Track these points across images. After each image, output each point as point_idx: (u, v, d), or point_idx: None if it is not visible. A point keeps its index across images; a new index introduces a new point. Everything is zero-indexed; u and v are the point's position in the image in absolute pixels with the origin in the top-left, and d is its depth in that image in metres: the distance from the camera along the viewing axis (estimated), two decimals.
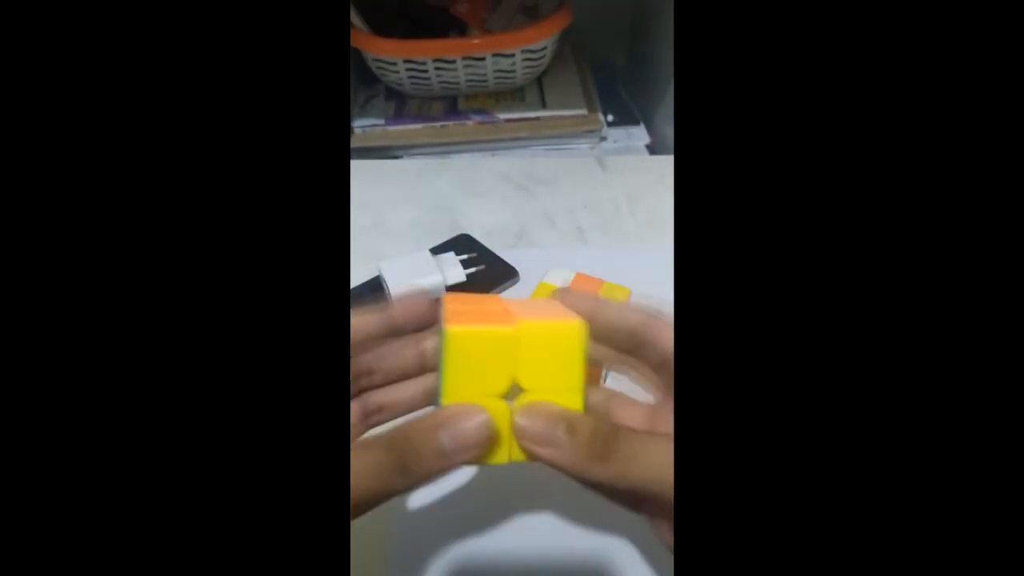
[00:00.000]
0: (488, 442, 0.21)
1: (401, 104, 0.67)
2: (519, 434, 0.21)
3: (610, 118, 0.67)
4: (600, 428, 0.21)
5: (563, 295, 0.26)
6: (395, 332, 0.27)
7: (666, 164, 0.60)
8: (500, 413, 0.21)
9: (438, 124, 0.64)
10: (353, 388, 0.27)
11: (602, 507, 0.25)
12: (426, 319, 0.27)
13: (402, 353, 0.27)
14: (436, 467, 0.20)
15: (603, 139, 0.65)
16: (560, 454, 0.21)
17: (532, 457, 0.21)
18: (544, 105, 0.65)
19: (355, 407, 0.27)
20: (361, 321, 0.26)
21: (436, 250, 0.47)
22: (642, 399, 0.26)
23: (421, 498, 0.31)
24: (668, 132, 0.65)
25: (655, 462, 0.21)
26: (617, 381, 0.28)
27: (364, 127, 0.64)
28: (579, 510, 0.31)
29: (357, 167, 0.59)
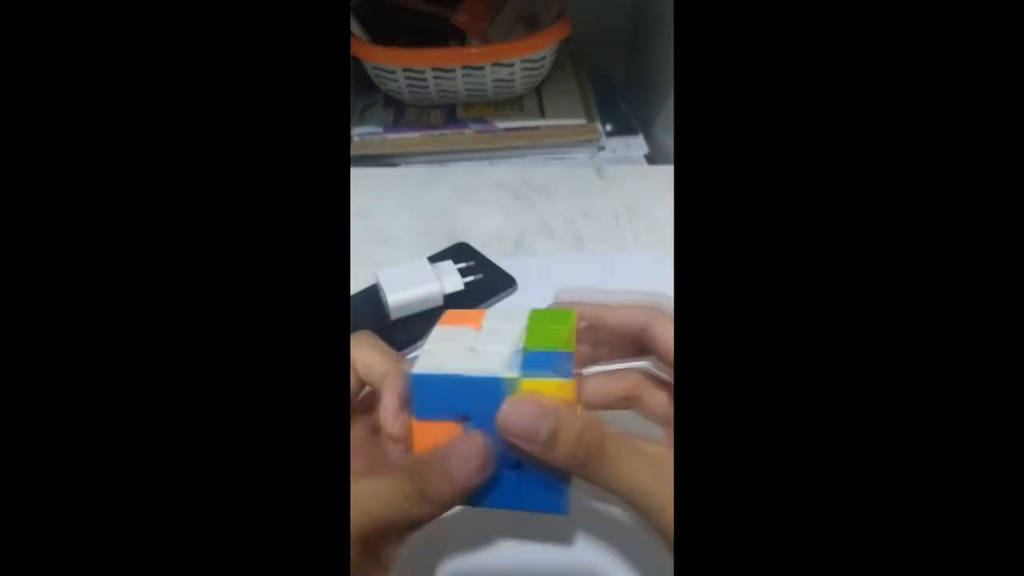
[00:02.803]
0: (487, 463, 0.21)
1: (400, 112, 0.67)
2: (501, 423, 0.21)
3: (608, 128, 0.67)
4: (586, 433, 0.21)
5: (565, 296, 0.27)
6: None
7: (664, 174, 0.60)
8: None
9: (437, 132, 0.64)
10: (360, 406, 0.27)
11: (600, 514, 0.24)
12: None
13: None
14: (448, 491, 0.21)
15: (601, 149, 0.65)
16: (541, 452, 0.21)
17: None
18: (543, 114, 0.65)
19: (362, 425, 0.27)
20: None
21: (434, 258, 0.47)
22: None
23: None
24: (666, 142, 0.65)
25: (643, 473, 0.20)
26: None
27: (363, 135, 0.64)
28: (577, 515, 0.31)
29: (355, 175, 0.59)
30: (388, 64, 0.62)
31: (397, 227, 0.53)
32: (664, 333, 0.24)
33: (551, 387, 0.21)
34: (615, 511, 0.31)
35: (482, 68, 0.62)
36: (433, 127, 0.64)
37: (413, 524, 0.22)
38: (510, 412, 0.21)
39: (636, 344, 0.25)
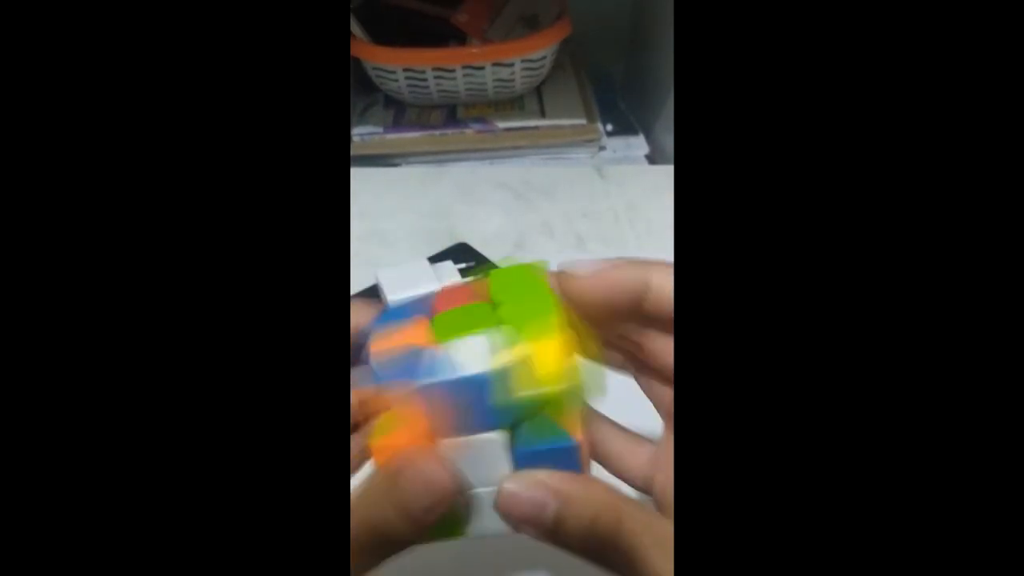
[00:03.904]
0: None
1: (400, 112, 0.67)
2: (500, 506, 0.18)
3: (609, 128, 0.67)
4: (601, 516, 0.18)
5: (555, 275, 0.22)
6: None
7: (665, 174, 0.60)
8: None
9: (437, 132, 0.64)
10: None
11: None
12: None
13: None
14: (429, 508, 0.18)
15: (602, 149, 0.65)
16: (548, 536, 0.18)
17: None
18: (543, 114, 0.65)
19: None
20: (358, 316, 0.23)
21: (434, 259, 0.46)
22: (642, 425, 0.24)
23: None
24: (667, 142, 0.65)
25: (661, 552, 0.18)
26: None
27: (363, 135, 0.64)
28: None
29: (355, 175, 0.59)
30: (388, 64, 0.62)
31: (397, 227, 0.53)
32: (666, 292, 0.20)
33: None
34: None
35: (482, 68, 0.62)
36: (433, 127, 0.64)
37: (397, 545, 0.19)
38: (509, 493, 0.18)
39: (633, 312, 0.21)
